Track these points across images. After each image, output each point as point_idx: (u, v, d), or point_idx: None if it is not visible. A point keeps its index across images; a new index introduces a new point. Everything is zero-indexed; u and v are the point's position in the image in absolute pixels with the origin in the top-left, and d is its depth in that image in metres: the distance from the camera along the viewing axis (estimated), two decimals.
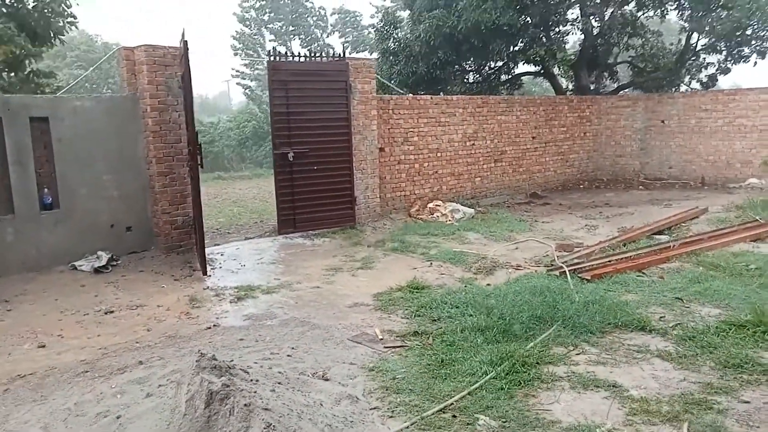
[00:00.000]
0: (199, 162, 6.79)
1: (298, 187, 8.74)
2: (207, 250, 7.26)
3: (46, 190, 6.84)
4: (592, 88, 15.29)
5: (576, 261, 6.61)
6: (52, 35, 11.89)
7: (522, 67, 15.71)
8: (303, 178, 8.73)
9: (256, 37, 28.35)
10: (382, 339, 4.62)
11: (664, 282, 5.81)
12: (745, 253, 6.73)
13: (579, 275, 5.99)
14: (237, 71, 28.58)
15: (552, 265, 6.57)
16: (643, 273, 6.20)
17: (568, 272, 5.99)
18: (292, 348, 4.47)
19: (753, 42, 13.25)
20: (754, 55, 13.49)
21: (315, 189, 8.83)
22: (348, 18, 30.69)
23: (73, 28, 12.52)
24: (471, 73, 15.98)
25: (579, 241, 7.96)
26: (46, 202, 6.83)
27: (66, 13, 11.90)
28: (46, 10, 11.43)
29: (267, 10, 28.34)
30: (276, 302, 5.72)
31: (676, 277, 5.94)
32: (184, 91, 6.95)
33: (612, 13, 13.68)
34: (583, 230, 8.88)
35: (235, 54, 27.82)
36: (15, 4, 11.27)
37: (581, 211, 10.47)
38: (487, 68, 15.38)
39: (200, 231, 6.72)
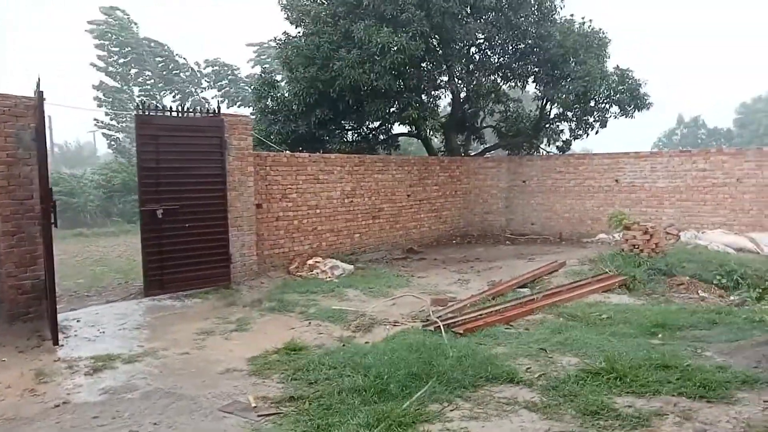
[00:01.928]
0: (52, 220, 6.21)
1: (168, 246, 8.27)
2: (61, 316, 6.58)
3: None
4: (461, 149, 16.31)
5: (450, 315, 6.83)
6: None
7: (399, 128, 16.43)
8: (174, 236, 8.29)
9: (122, 89, 27.08)
10: (255, 407, 4.39)
11: (530, 333, 6.16)
12: (598, 303, 7.36)
13: (453, 330, 6.18)
14: (102, 122, 26.94)
15: (427, 320, 6.73)
16: (511, 325, 6.54)
17: (442, 327, 6.16)
18: (155, 424, 4.11)
19: (595, 113, 14.97)
20: (597, 123, 15.23)
21: (187, 247, 8.41)
22: (224, 71, 30.42)
23: None
24: (350, 132, 16.40)
25: (452, 296, 8.26)
26: None
27: None
28: None
29: (132, 65, 27.31)
30: (138, 372, 5.25)
31: (540, 329, 6.32)
32: (38, 144, 6.40)
33: (477, 81, 14.84)
34: (456, 284, 9.24)
35: (99, 106, 26.27)
36: None
37: (454, 265, 10.92)
38: (365, 128, 15.89)
39: (52, 295, 6.07)
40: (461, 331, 6.11)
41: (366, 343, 5.97)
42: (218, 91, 30.12)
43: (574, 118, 15.45)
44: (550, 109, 15.83)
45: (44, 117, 6.01)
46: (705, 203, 12.18)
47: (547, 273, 9.23)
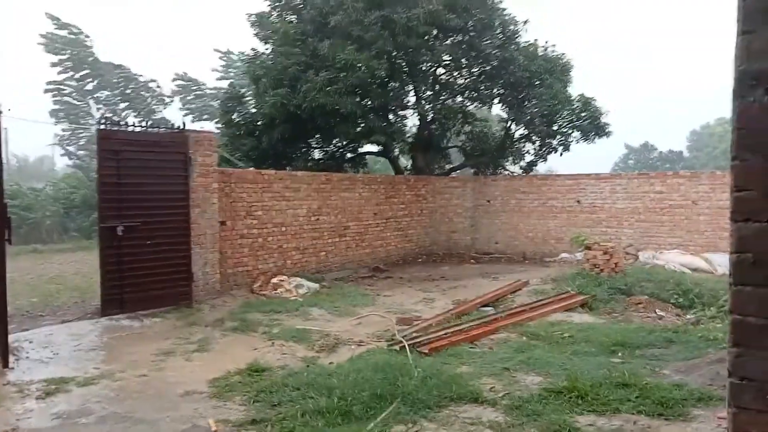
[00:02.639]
0: (6, 237, 5.99)
1: (128, 263, 8.08)
2: (11, 337, 6.31)
3: None
4: (427, 168, 16.47)
5: (415, 335, 6.83)
6: None
7: (366, 146, 16.51)
8: (134, 254, 8.11)
9: (80, 104, 26.46)
10: (215, 431, 4.28)
11: (494, 352, 6.20)
12: (560, 322, 7.47)
13: (418, 349, 6.17)
14: (61, 137, 26.27)
15: (393, 339, 6.71)
16: (476, 344, 6.57)
17: (407, 346, 6.15)
18: None
19: (558, 136, 15.35)
20: (561, 147, 15.60)
21: (147, 265, 8.22)
22: (190, 86, 30.13)
23: None
24: (317, 149, 16.41)
25: (418, 315, 8.26)
26: None
27: None
28: None
29: (90, 80, 26.70)
30: (94, 396, 5.07)
31: (503, 348, 6.37)
32: None
33: (444, 102, 15.08)
34: (421, 303, 9.26)
35: (57, 122, 25.62)
36: None
37: (420, 284, 10.95)
38: (332, 146, 15.92)
39: (3, 316, 5.83)
40: (426, 351, 6.11)
41: (330, 363, 5.91)
42: (183, 104, 29.76)
43: (538, 140, 15.80)
44: (515, 130, 16.16)
45: (1, 133, 5.83)
46: (662, 224, 12.57)
47: (511, 292, 9.34)
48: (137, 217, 8.16)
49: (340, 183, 12.28)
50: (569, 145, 15.42)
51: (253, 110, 14.60)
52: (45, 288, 11.02)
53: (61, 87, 26.28)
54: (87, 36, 26.89)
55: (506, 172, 17.07)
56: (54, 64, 26.14)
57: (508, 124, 16.18)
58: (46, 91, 26.06)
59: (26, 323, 7.76)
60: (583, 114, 14.87)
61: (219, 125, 16.01)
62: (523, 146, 16.74)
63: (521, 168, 17.20)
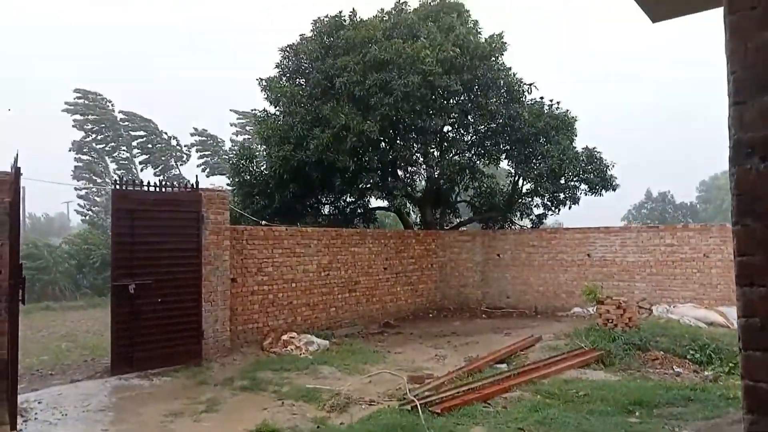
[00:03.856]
0: (20, 298, 6.06)
1: (139, 322, 8.11)
2: (21, 398, 6.28)
3: None
4: (437, 222, 16.56)
5: (427, 393, 6.71)
6: None
7: (375, 202, 16.70)
8: (145, 312, 8.15)
9: (97, 163, 27.29)
10: None
11: (508, 412, 6.08)
12: (575, 379, 7.32)
13: (430, 409, 6.06)
14: (77, 194, 26.98)
15: (404, 398, 6.60)
16: (489, 403, 6.44)
17: (419, 406, 6.04)
18: None
19: (566, 190, 15.45)
20: (569, 201, 15.67)
21: (158, 323, 8.25)
22: (209, 143, 30.95)
23: None
24: (326, 205, 16.61)
25: (429, 372, 8.13)
26: None
27: None
28: None
29: (109, 141, 27.73)
30: None
31: (517, 407, 6.24)
32: (11, 220, 6.33)
33: (451, 158, 15.31)
34: (433, 360, 9.13)
35: (74, 179, 26.35)
36: None
37: (431, 340, 10.82)
38: (342, 201, 16.12)
39: (13, 377, 5.82)
40: (439, 410, 6.00)
41: (341, 424, 5.81)
42: (201, 159, 30.51)
43: (546, 194, 15.91)
44: (523, 184, 16.31)
45: (20, 193, 5.99)
46: (675, 277, 12.44)
47: (524, 348, 9.20)
48: (149, 274, 8.24)
49: (350, 238, 12.36)
50: (578, 199, 15.49)
51: (264, 169, 14.92)
52: (56, 346, 11.00)
53: (82, 147, 27.17)
54: (109, 100, 28.09)
55: (515, 226, 17.11)
56: (76, 126, 27.15)
57: (516, 179, 16.34)
58: (70, 149, 27.00)
59: (36, 383, 7.73)
60: (588, 167, 15.01)
61: (231, 183, 16.31)
62: (531, 200, 16.84)
63: (530, 221, 17.25)
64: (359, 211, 16.81)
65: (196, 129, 31.01)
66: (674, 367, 8.10)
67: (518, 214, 17.33)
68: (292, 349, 9.55)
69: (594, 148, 15.20)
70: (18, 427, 5.71)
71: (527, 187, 16.39)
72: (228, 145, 30.82)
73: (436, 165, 15.31)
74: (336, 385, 7.47)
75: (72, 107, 27.27)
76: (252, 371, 8.20)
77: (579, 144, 15.49)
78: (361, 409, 6.42)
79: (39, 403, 6.67)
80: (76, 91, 27.55)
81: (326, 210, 16.86)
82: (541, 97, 15.69)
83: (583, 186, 15.33)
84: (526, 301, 14.21)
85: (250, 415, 6.21)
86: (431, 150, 15.64)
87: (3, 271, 6.60)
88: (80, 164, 26.97)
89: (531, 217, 17.18)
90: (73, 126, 27.14)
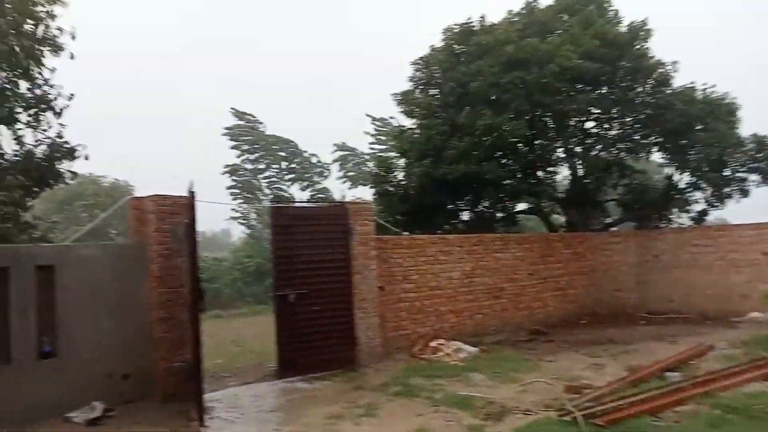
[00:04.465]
0: (201, 307, 6.79)
1: (299, 329, 8.68)
2: (205, 397, 7.00)
3: (45, 338, 6.75)
4: (583, 224, 15.77)
5: (587, 404, 6.39)
6: (54, 180, 12.00)
7: (516, 205, 16.32)
8: (304, 320, 8.70)
9: (253, 181, 29.91)
10: None
11: (682, 427, 5.59)
12: (759, 393, 6.53)
13: (592, 421, 5.76)
14: (237, 210, 29.79)
15: (562, 409, 6.34)
16: (658, 417, 5.97)
17: (579, 417, 5.77)
18: None
19: (732, 181, 13.94)
20: (737, 193, 14.10)
21: (316, 330, 8.77)
22: (350, 156, 32.55)
23: (76, 171, 12.51)
24: (466, 211, 16.56)
25: (587, 382, 7.73)
26: (45, 351, 6.71)
27: (72, 153, 11.98)
28: (55, 156, 11.64)
29: (261, 160, 30.26)
30: None
31: (693, 421, 5.72)
32: (189, 239, 7.14)
33: (596, 155, 14.55)
34: (590, 369, 8.67)
35: (234, 198, 29.08)
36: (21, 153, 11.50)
37: (585, 348, 10.29)
38: (481, 206, 15.98)
39: (199, 379, 6.54)
40: (602, 423, 5.67)
41: None
42: (342, 173, 32.16)
43: (709, 187, 14.48)
44: (680, 178, 15.02)
45: (195, 214, 6.74)
46: None
47: (694, 357, 8.41)
48: (305, 284, 8.80)
49: (493, 244, 12.19)
50: (748, 191, 13.89)
51: (403, 181, 15.29)
52: (227, 350, 12.14)
53: (237, 168, 29.97)
54: (260, 122, 30.84)
55: (673, 224, 15.75)
56: (232, 148, 30.10)
57: (671, 173, 15.08)
58: (225, 171, 29.94)
59: (214, 384, 8.57)
60: (759, 155, 13.43)
61: (373, 195, 16.92)
62: (691, 195, 15.43)
63: (691, 218, 15.79)
64: (500, 215, 16.55)
65: (335, 144, 32.78)
66: None
67: (675, 210, 15.96)
68: (441, 356, 9.62)
69: (766, 136, 13.56)
70: (205, 423, 6.39)
71: (685, 180, 15.08)
72: (365, 148, 32.27)
73: (580, 163, 14.62)
74: (489, 393, 7.39)
75: (230, 130, 30.23)
76: (404, 377, 8.38)
77: (745, 131, 13.95)
78: (516, 418, 6.28)
79: (220, 402, 7.40)
80: (232, 110, 30.52)
81: (465, 216, 16.82)
82: (692, 82, 14.35)
83: (754, 176, 13.74)
84: (691, 305, 12.97)
85: (406, 420, 6.35)
86: (574, 148, 14.99)
87: (186, 284, 7.46)
88: (237, 182, 29.72)
89: (691, 213, 15.73)
90: (231, 148, 30.12)
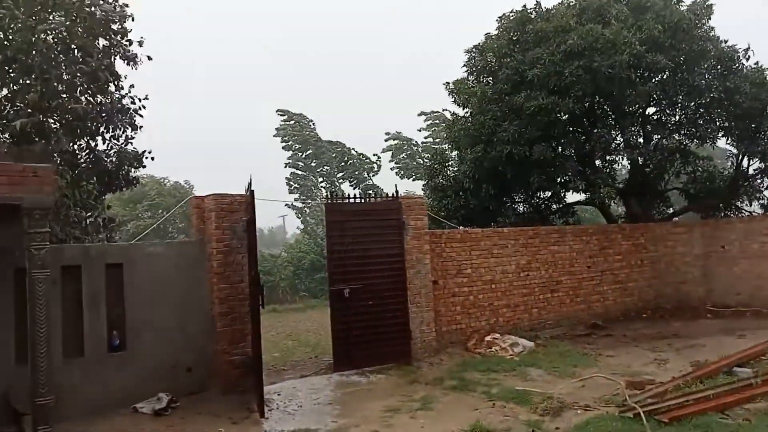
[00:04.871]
0: (260, 302, 6.98)
1: (354, 323, 8.78)
2: (264, 390, 7.21)
3: (114, 332, 7.11)
4: (644, 214, 15.20)
5: (650, 401, 6.20)
6: (124, 182, 12.61)
7: (572, 196, 15.91)
8: (358, 314, 8.80)
9: (307, 178, 30.40)
10: None
11: (753, 426, 5.34)
12: None
13: (655, 417, 5.59)
14: (291, 207, 30.42)
15: (624, 405, 6.17)
16: (727, 414, 5.73)
17: (642, 414, 5.60)
18: None
19: None
20: None
21: (370, 324, 8.85)
22: (403, 145, 32.61)
23: (142, 173, 13.18)
24: (520, 204, 16.26)
25: (650, 378, 7.50)
26: (114, 344, 7.07)
27: (140, 160, 12.56)
28: (124, 162, 12.24)
29: (314, 159, 30.72)
30: None
31: (764, 420, 5.45)
32: (248, 235, 7.35)
33: (657, 143, 13.98)
34: (652, 365, 8.40)
35: (290, 192, 29.63)
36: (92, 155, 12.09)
37: (647, 343, 9.97)
38: (536, 198, 15.65)
39: (259, 371, 6.74)
40: (666, 420, 5.50)
41: (556, 429, 5.65)
42: (393, 163, 32.16)
43: None
44: (749, 164, 14.26)
45: (255, 211, 6.92)
46: None
47: (765, 353, 7.99)
48: (359, 279, 8.89)
49: (549, 236, 11.94)
50: None
51: (456, 172, 15.13)
52: (283, 344, 12.44)
53: (292, 166, 30.53)
54: (311, 121, 31.25)
55: (742, 213, 14.98)
56: (285, 148, 30.64)
57: (740, 159, 14.33)
58: (286, 166, 30.62)
59: (273, 377, 8.81)
60: None
61: (424, 187, 16.82)
62: (761, 182, 14.62)
63: (761, 206, 14.96)
64: (555, 207, 16.16)
65: (388, 133, 32.82)
66: None
67: (744, 198, 15.17)
68: (496, 350, 9.54)
69: None
70: (265, 415, 6.58)
71: (754, 166, 14.31)
72: (419, 139, 32.18)
73: (641, 151, 14.08)
74: (546, 388, 7.27)
75: (281, 130, 30.78)
76: (459, 371, 8.37)
77: None
78: (575, 414, 6.17)
79: (278, 395, 7.61)
80: (279, 111, 31.03)
81: (520, 209, 16.51)
82: (758, 64, 13.53)
83: None
84: (760, 298, 12.31)
85: (462, 414, 6.34)
86: (633, 135, 14.45)
87: (245, 280, 7.68)
88: (292, 180, 30.26)
89: (761, 201, 14.91)
90: (282, 148, 30.64)
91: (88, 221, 11.96)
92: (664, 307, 13.17)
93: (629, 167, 15.18)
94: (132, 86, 11.98)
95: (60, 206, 9.93)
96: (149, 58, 12.01)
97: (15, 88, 10.55)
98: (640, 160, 14.46)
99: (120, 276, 7.23)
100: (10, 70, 10.42)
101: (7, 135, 9.99)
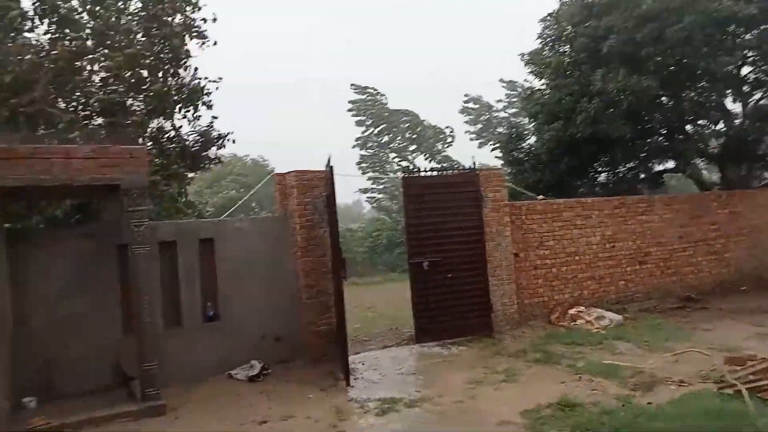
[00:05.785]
0: (343, 275, 7.14)
1: (434, 296, 8.82)
2: (348, 359, 7.42)
3: (209, 304, 7.52)
4: (742, 181, 14.16)
5: (752, 377, 5.84)
6: (206, 165, 13.14)
7: (660, 165, 15.06)
8: (438, 287, 8.82)
9: (380, 154, 30.52)
10: None
11: None
12: None
13: (758, 395, 5.27)
14: (369, 182, 30.81)
15: (722, 381, 5.86)
16: None
17: (744, 391, 5.30)
18: None
19: None
20: None
21: (450, 297, 8.86)
22: (482, 110, 32.11)
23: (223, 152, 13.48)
24: (603, 173, 15.60)
25: (751, 353, 7.04)
26: (209, 315, 7.49)
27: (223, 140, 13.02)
28: (206, 143, 12.70)
29: (386, 133, 30.68)
30: (419, 417, 5.63)
31: None
32: (329, 210, 7.50)
33: (756, 103, 12.92)
34: (754, 339, 7.90)
35: (364, 173, 29.92)
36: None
37: (747, 316, 9.37)
38: (622, 167, 14.95)
39: (343, 342, 6.93)
40: None
41: (649, 404, 5.45)
42: (470, 126, 31.72)
43: None
44: None
45: (334, 187, 7.04)
46: None
47: None
48: (438, 252, 8.88)
49: (636, 206, 11.38)
50: None
51: (534, 145, 14.74)
52: (364, 316, 12.69)
53: (365, 140, 30.75)
54: (382, 94, 31.20)
55: None
56: (357, 124, 30.87)
57: None
58: (354, 146, 30.92)
59: (356, 347, 9.02)
60: None
61: (502, 161, 16.48)
62: None
63: None
64: (642, 176, 15.38)
65: (467, 95, 32.35)
66: None
67: None
68: (581, 324, 9.29)
69: None
70: (350, 383, 6.78)
71: None
72: (498, 106, 31.45)
73: (737, 114, 13.07)
74: (637, 362, 7.03)
75: (354, 105, 30.97)
76: (543, 344, 8.24)
77: None
78: (670, 389, 5.93)
79: (362, 364, 7.80)
80: (353, 86, 31.16)
81: (602, 178, 15.83)
82: None
83: None
84: None
85: (548, 387, 6.26)
86: (727, 97, 13.42)
87: (327, 254, 7.88)
88: (365, 155, 30.54)
89: None
90: (355, 124, 30.90)
91: (177, 200, 12.58)
92: (766, 279, 12.30)
93: (725, 132, 14.14)
94: (196, 69, 12.24)
95: (153, 185, 10.48)
96: (215, 43, 12.17)
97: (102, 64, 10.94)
98: (736, 122, 13.44)
99: (212, 250, 7.62)
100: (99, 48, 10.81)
101: (96, 104, 10.40)
